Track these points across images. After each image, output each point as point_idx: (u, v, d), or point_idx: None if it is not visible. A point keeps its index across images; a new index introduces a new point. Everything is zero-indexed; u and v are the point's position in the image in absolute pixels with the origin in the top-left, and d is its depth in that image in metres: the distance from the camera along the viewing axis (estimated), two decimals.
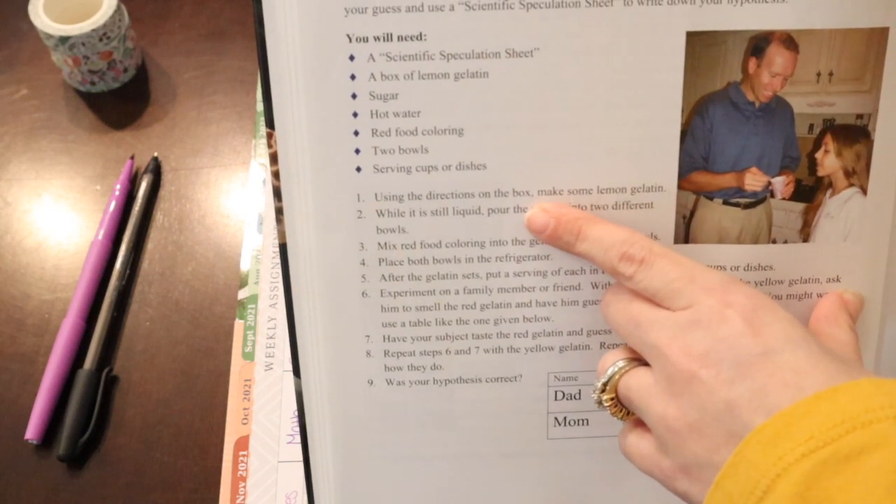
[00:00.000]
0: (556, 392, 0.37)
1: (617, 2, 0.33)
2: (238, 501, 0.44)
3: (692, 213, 0.35)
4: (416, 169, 0.34)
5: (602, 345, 0.36)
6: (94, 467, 0.46)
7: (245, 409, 0.46)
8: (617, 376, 0.32)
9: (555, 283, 0.36)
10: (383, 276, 0.35)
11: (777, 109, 0.35)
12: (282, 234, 0.35)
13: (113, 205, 0.53)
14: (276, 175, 0.34)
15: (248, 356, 0.48)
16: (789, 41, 0.34)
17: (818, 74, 0.35)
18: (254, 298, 0.50)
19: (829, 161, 0.36)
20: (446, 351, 0.36)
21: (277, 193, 0.35)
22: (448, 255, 0.35)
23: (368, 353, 0.36)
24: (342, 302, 0.36)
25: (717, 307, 0.30)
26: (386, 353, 0.36)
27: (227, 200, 0.55)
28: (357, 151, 0.34)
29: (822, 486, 0.24)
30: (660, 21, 0.33)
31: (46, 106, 0.59)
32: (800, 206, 0.36)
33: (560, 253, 0.35)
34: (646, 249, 0.32)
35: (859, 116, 0.35)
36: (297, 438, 0.45)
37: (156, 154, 0.56)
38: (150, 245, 0.53)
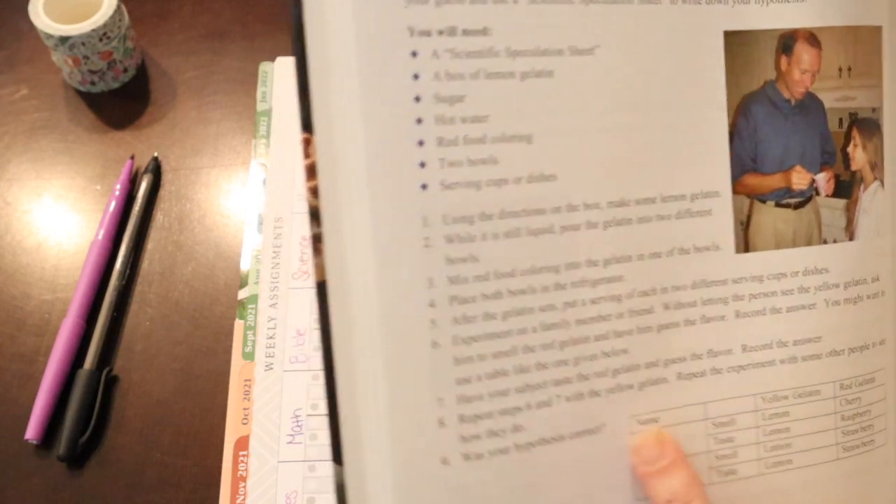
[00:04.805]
0: None
1: (665, 0, 0.33)
2: (238, 501, 0.44)
3: (748, 219, 0.35)
4: (486, 183, 0.30)
5: (679, 375, 0.33)
6: (94, 467, 0.46)
7: (245, 409, 0.46)
8: None
9: (629, 308, 0.32)
10: (455, 318, 0.30)
11: (811, 106, 0.35)
12: (320, 269, 0.28)
13: (113, 205, 0.53)
14: (313, 192, 0.28)
15: (248, 356, 0.48)
16: (812, 38, 0.35)
17: (840, 70, 0.36)
18: (254, 298, 0.50)
19: (859, 155, 0.36)
20: (526, 405, 0.31)
21: (316, 215, 0.28)
22: (523, 286, 0.31)
23: (441, 423, 0.29)
24: (409, 357, 0.29)
25: None
26: (461, 420, 0.30)
27: (227, 200, 0.55)
28: (422, 165, 0.29)
29: None
30: (701, 20, 0.33)
31: (46, 106, 0.59)
32: (842, 203, 0.36)
33: (632, 272, 0.32)
34: None
35: (874, 110, 0.36)
36: (297, 439, 0.45)
37: (156, 154, 0.56)
38: (150, 245, 0.53)
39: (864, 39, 0.36)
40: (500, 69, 0.30)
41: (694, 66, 0.33)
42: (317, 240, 0.28)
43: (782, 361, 0.35)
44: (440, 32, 0.29)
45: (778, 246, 0.35)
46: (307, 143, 0.28)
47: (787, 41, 0.35)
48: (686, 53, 0.33)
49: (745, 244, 0.35)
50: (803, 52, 0.35)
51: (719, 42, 0.34)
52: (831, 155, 0.36)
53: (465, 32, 0.30)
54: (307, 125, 0.28)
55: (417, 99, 0.29)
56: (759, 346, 0.35)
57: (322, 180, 0.28)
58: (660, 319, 0.33)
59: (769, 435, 0.35)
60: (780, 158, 0.35)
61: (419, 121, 0.29)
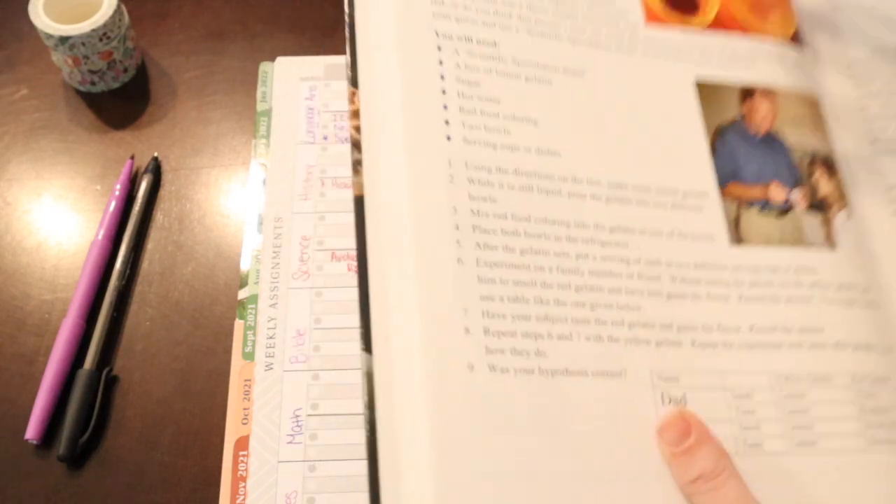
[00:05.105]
0: (662, 395, 0.34)
1: (637, 52, 0.41)
2: (238, 501, 0.44)
3: (738, 219, 0.39)
4: (501, 146, 0.36)
5: (693, 342, 0.35)
6: (94, 467, 0.46)
7: (245, 409, 0.46)
8: None
9: (638, 272, 0.36)
10: (478, 243, 0.33)
11: (774, 142, 0.42)
12: (358, 186, 0.34)
13: (113, 205, 0.53)
14: (356, 129, 0.35)
15: (248, 356, 0.48)
16: (767, 92, 0.43)
17: (794, 117, 0.43)
18: (254, 298, 0.50)
19: (824, 184, 0.42)
20: (548, 334, 0.33)
21: (357, 145, 0.35)
22: (538, 231, 0.35)
23: (467, 330, 0.32)
24: (437, 266, 0.33)
25: None
26: (486, 332, 0.32)
27: (227, 200, 0.55)
28: (447, 122, 0.36)
29: None
30: (671, 69, 0.41)
31: (46, 106, 0.59)
32: (818, 217, 0.41)
33: (637, 242, 0.36)
34: None
35: (828, 155, 0.43)
36: (297, 439, 0.45)
37: (156, 154, 0.56)
38: (150, 245, 0.53)
39: (808, 102, 0.43)
40: (507, 71, 0.38)
41: (670, 98, 0.40)
42: (357, 164, 0.34)
43: (790, 346, 0.37)
44: (459, 38, 0.37)
45: (768, 244, 0.39)
46: (353, 94, 0.36)
47: (747, 92, 0.42)
48: (661, 89, 0.40)
49: (737, 238, 0.38)
50: (761, 102, 0.42)
51: (690, 85, 0.41)
52: (800, 179, 0.41)
53: (478, 42, 0.38)
54: (354, 82, 0.36)
55: (442, 77, 0.36)
56: (766, 328, 0.37)
57: (364, 120, 0.35)
58: (668, 288, 0.36)
59: (790, 414, 0.36)
60: (757, 174, 0.40)
61: (444, 91, 0.36)
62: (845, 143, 0.44)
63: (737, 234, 0.38)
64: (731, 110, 0.41)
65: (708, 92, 0.42)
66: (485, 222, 0.34)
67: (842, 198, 0.42)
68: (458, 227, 0.34)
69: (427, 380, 0.31)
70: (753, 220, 0.39)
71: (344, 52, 0.59)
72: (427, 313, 0.32)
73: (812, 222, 0.40)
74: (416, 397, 0.30)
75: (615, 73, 0.40)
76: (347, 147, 0.55)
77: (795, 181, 0.41)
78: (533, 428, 0.32)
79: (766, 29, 0.45)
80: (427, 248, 0.33)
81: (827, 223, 0.41)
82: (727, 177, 0.40)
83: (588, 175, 0.37)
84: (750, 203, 0.39)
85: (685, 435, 0.33)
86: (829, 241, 0.40)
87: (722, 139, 0.40)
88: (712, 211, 0.38)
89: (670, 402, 0.34)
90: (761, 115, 0.42)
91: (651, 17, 0.43)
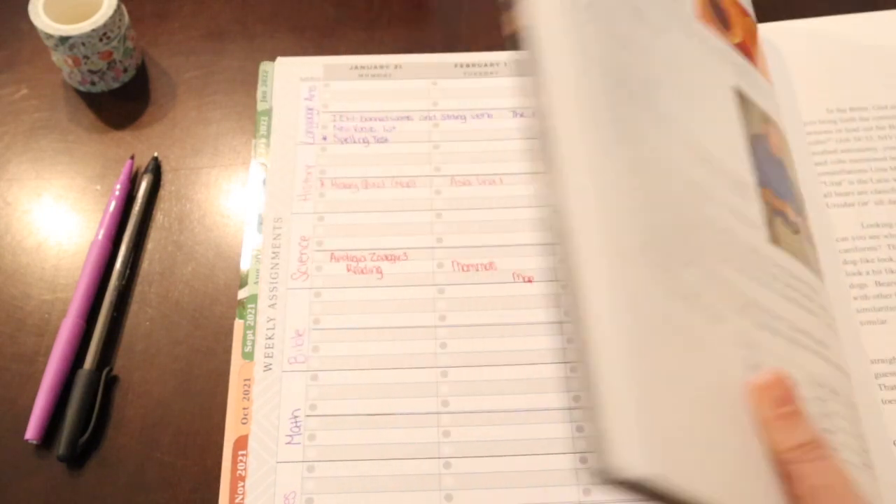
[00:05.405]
0: (745, 357, 0.33)
1: (694, 39, 0.41)
2: (237, 501, 0.44)
3: (771, 222, 0.40)
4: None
5: (753, 320, 0.35)
6: (94, 467, 0.46)
7: (245, 408, 0.46)
8: None
9: (719, 232, 0.36)
10: (630, 166, 0.32)
11: (785, 167, 0.45)
12: (525, 17, 0.31)
13: (113, 205, 0.53)
14: None
15: (248, 356, 0.48)
16: (776, 123, 0.46)
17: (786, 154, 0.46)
18: (254, 298, 0.50)
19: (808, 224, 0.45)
20: (697, 275, 0.32)
21: None
22: (664, 176, 0.33)
23: (642, 248, 0.30)
24: (605, 158, 0.30)
25: None
26: (654, 264, 0.30)
27: (227, 200, 0.55)
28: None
29: None
30: (717, 68, 0.42)
31: (46, 106, 0.59)
32: (815, 250, 0.43)
33: (716, 205, 0.36)
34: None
35: (801, 203, 0.46)
36: (296, 439, 0.45)
37: (156, 154, 0.56)
38: (150, 245, 0.53)
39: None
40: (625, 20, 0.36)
41: (720, 95, 0.41)
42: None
43: (813, 352, 0.38)
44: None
45: (791, 254, 0.40)
46: None
47: (765, 116, 0.45)
48: (713, 82, 0.41)
49: (773, 238, 0.40)
50: (775, 129, 0.45)
51: (731, 90, 0.42)
52: (801, 208, 0.44)
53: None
54: None
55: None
56: (798, 328, 0.38)
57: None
58: (738, 261, 0.36)
59: (821, 416, 0.37)
60: (779, 188, 0.42)
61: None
62: (804, 196, 0.48)
63: (773, 234, 0.39)
64: (757, 127, 0.43)
65: (741, 101, 0.43)
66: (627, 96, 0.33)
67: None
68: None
69: (613, 260, 0.28)
70: (781, 228, 0.41)
71: (344, 53, 0.59)
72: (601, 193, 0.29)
73: (813, 251, 0.43)
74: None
75: (680, 49, 0.39)
76: (347, 147, 0.55)
77: (798, 209, 0.43)
78: (683, 346, 0.30)
79: (766, 76, 0.48)
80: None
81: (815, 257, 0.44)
82: (762, 183, 0.40)
83: (695, 138, 0.36)
84: (777, 213, 0.41)
85: (787, 398, 0.30)
86: (819, 273, 0.43)
87: (755, 146, 0.42)
88: (755, 204, 0.39)
89: (752, 367, 0.32)
90: (777, 139, 0.45)
91: (702, 14, 0.43)
